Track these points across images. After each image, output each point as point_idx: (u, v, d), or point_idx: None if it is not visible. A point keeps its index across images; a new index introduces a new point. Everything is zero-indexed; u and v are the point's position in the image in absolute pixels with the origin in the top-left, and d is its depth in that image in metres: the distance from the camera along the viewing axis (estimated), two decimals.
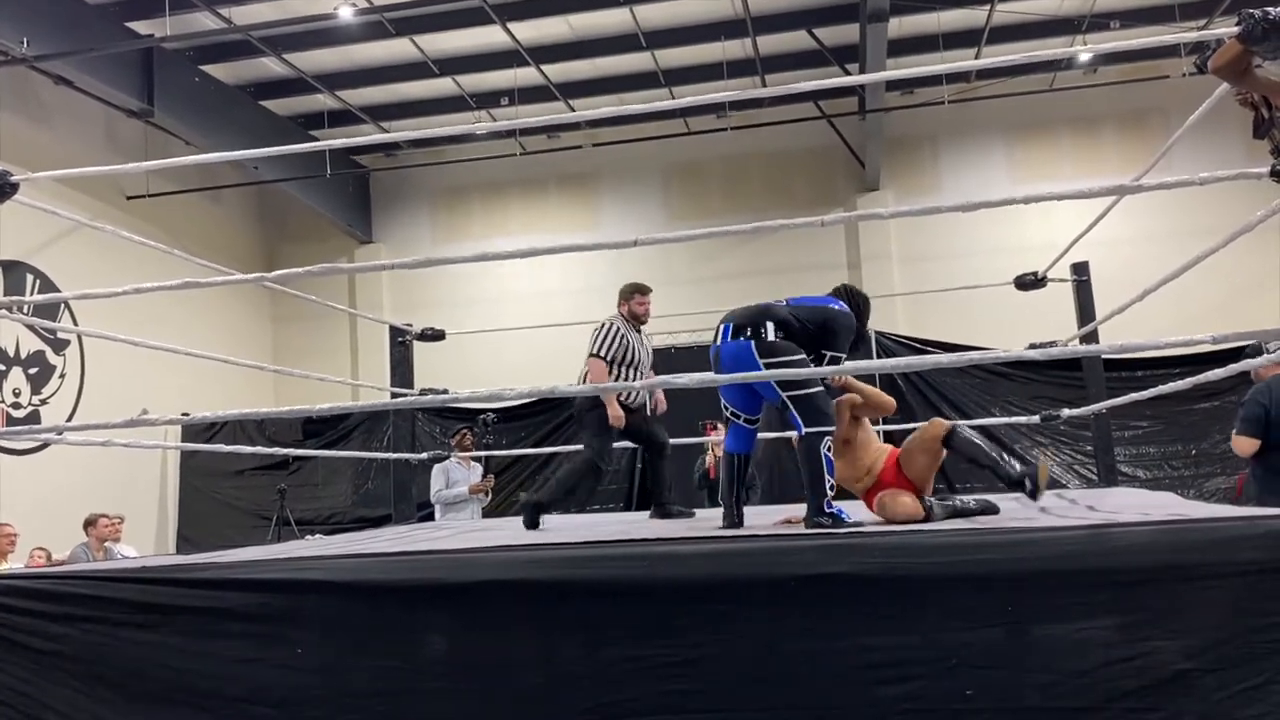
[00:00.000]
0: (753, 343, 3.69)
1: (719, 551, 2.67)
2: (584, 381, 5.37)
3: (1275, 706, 2.22)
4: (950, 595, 2.39)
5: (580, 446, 5.68)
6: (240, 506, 12.37)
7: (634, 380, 5.26)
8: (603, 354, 5.24)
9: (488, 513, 8.40)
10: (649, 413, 5.49)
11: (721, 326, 3.84)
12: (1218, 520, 2.65)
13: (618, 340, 5.28)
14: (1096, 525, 2.71)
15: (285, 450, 8.89)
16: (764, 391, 3.79)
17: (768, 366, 3.64)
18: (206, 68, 11.80)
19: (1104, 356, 7.11)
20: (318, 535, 8.67)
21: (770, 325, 3.71)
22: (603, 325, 5.38)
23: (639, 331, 5.46)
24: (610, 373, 5.23)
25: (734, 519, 3.90)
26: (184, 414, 3.98)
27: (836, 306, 3.91)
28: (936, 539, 2.63)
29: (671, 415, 5.95)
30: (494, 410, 9.61)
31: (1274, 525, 2.42)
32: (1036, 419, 7.39)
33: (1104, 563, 2.35)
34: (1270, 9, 2.73)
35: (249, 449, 7.81)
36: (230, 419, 7.68)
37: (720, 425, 9.46)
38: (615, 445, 5.60)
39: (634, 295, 5.52)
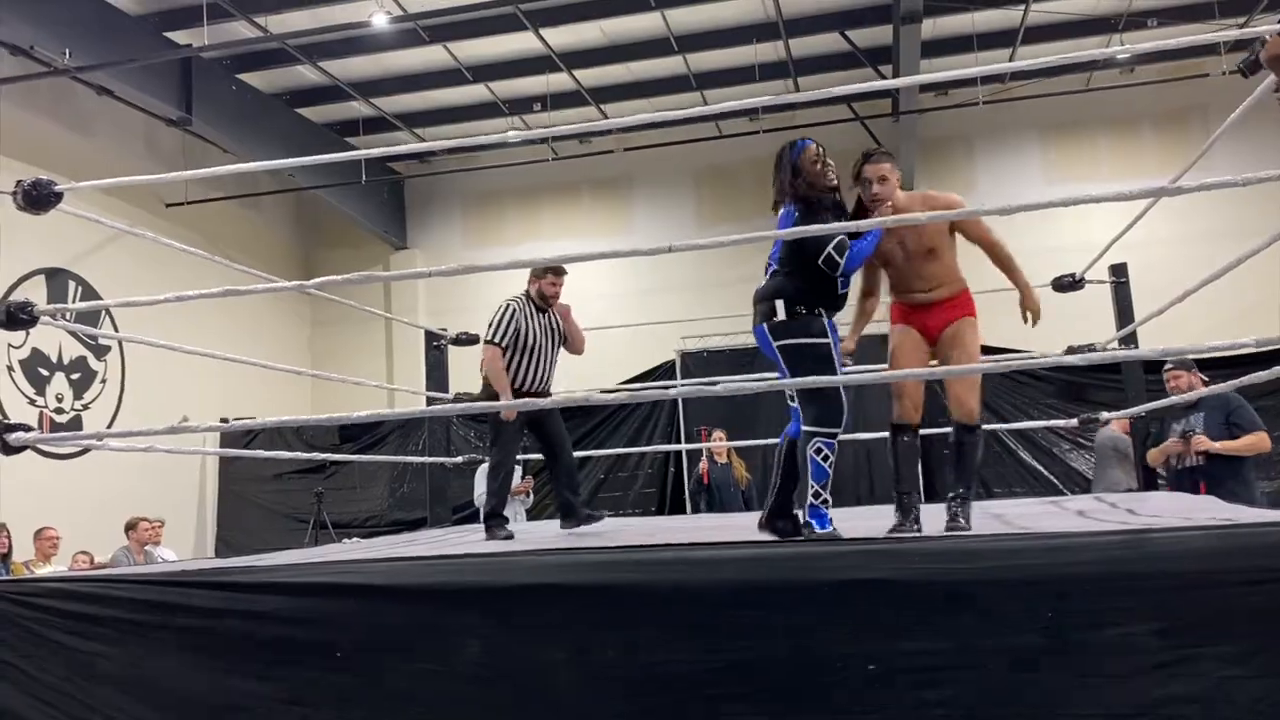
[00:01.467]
0: (764, 325, 3.59)
1: (756, 557, 2.67)
2: (481, 370, 5.08)
3: None
4: (989, 600, 2.37)
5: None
6: (278, 510, 12.49)
7: (532, 367, 5.01)
8: (496, 339, 4.94)
9: (531, 514, 8.47)
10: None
11: None
12: (1261, 525, 2.62)
13: (510, 323, 4.96)
14: (1136, 530, 2.68)
15: (322, 455, 8.97)
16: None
17: (779, 349, 3.54)
18: (243, 76, 11.95)
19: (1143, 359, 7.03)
20: (355, 538, 8.75)
21: (780, 303, 3.57)
22: (499, 308, 5.06)
23: (545, 312, 5.16)
24: (507, 360, 4.94)
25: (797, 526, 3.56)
26: (223, 419, 4.03)
27: (784, 213, 3.79)
28: (975, 544, 2.62)
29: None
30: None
31: None
32: (1075, 422, 7.30)
33: (1145, 568, 2.33)
34: None
35: (287, 454, 7.90)
36: (268, 426, 7.76)
37: (721, 432, 9.46)
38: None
39: (546, 274, 5.18)
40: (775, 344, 3.56)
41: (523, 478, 8.23)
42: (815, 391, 3.42)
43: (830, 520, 3.36)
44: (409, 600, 2.69)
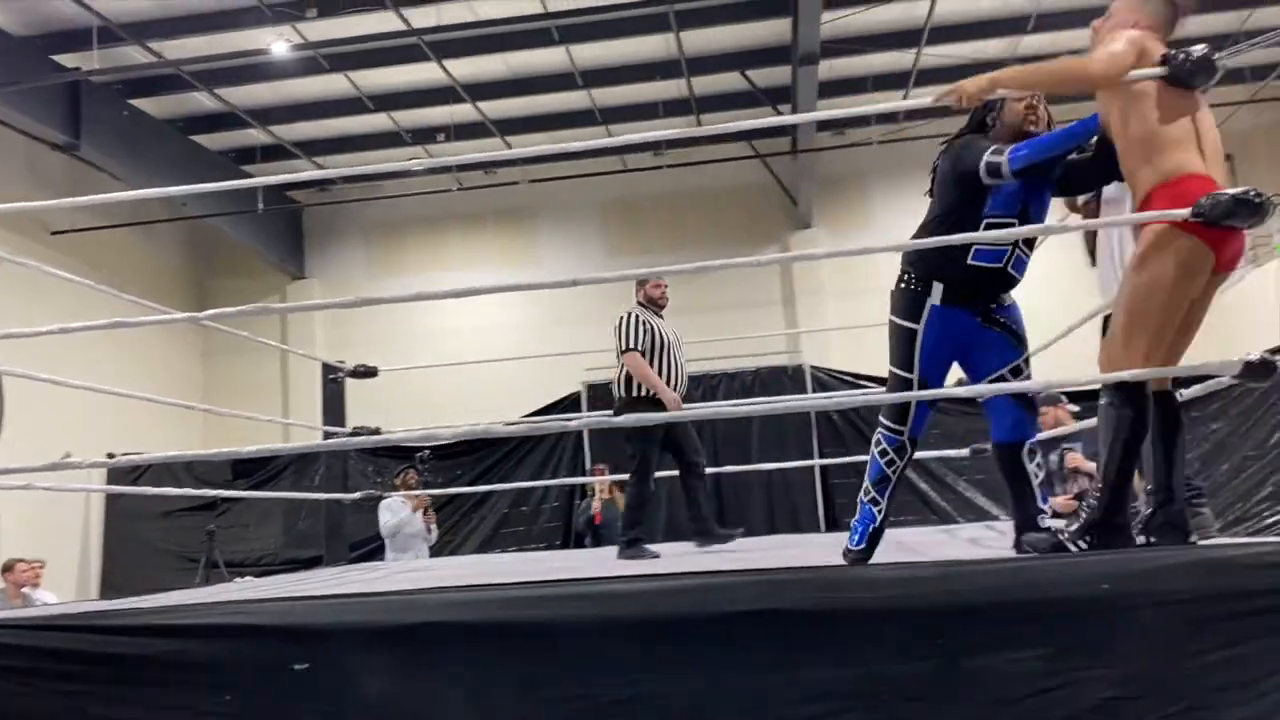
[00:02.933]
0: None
1: (656, 590, 2.67)
2: (621, 380, 5.15)
3: None
4: (884, 629, 2.42)
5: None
6: (167, 549, 12.03)
7: (671, 365, 5.07)
8: (635, 346, 5.02)
9: (434, 552, 8.34)
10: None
11: None
12: (1137, 552, 2.73)
13: (641, 328, 5.06)
14: (1021, 558, 2.77)
15: (214, 492, 8.70)
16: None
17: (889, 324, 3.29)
18: (136, 102, 11.63)
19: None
20: (248, 577, 8.48)
21: (905, 273, 3.28)
22: (622, 319, 5.15)
23: (661, 316, 5.29)
24: (649, 363, 5.00)
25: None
26: (110, 455, 3.88)
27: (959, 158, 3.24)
28: (869, 573, 2.67)
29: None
30: (428, 448, 9.54)
31: (1194, 556, 2.49)
32: (966, 452, 7.50)
33: (1030, 594, 2.40)
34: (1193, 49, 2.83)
35: (176, 491, 7.64)
36: (157, 461, 7.49)
37: (602, 466, 9.53)
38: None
39: (649, 279, 5.28)
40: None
41: (425, 512, 8.10)
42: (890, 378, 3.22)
43: (869, 530, 3.23)
44: (303, 641, 2.62)
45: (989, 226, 3.13)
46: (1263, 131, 12.56)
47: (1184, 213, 2.68)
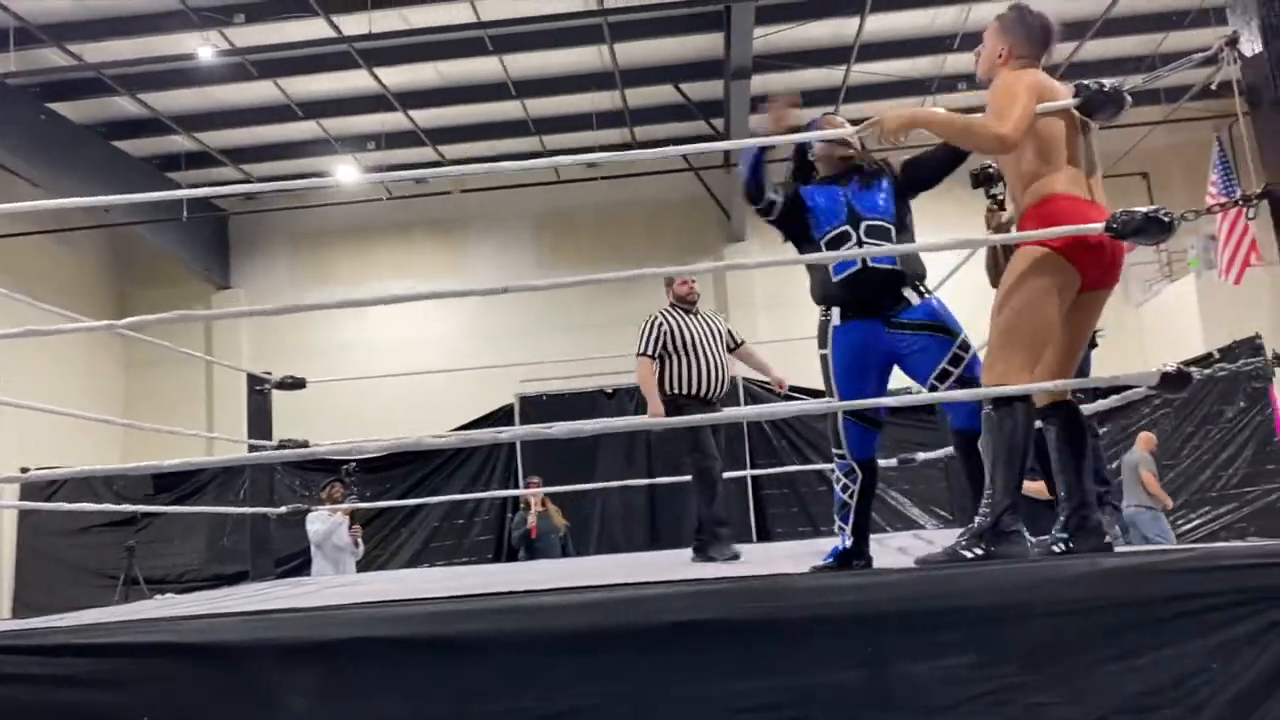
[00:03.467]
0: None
1: (592, 602, 2.66)
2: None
3: None
4: (813, 638, 2.43)
5: None
6: (85, 566, 11.66)
7: (696, 364, 5.04)
8: (647, 351, 5.05)
9: (363, 566, 8.21)
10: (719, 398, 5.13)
11: None
12: (1056, 560, 2.80)
13: (657, 331, 5.07)
14: (946, 566, 2.82)
15: (134, 507, 8.46)
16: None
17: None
18: (54, 105, 11.31)
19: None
20: (169, 594, 8.25)
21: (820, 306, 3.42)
22: (644, 322, 5.16)
23: (691, 313, 5.21)
24: (670, 363, 5.02)
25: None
26: (24, 469, 3.74)
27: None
28: (799, 582, 2.69)
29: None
30: (355, 461, 9.40)
31: (1111, 564, 2.56)
32: (894, 462, 7.61)
33: (954, 603, 2.44)
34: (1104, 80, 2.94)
35: (94, 507, 7.41)
36: (74, 475, 7.27)
37: (535, 479, 9.51)
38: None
39: (675, 278, 5.26)
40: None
41: (350, 527, 7.97)
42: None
43: (839, 552, 3.31)
44: (225, 659, 2.55)
45: (829, 244, 3.30)
46: (1176, 151, 13.01)
47: (1097, 226, 2.77)
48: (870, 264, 3.21)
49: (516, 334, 13.14)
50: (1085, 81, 2.97)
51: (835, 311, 3.27)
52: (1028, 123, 2.82)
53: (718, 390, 5.12)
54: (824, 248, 3.28)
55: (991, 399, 2.85)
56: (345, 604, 2.89)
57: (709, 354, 5.10)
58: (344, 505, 7.97)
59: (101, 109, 11.88)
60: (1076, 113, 2.91)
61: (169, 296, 13.78)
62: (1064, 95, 2.94)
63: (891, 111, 3.03)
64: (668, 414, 4.91)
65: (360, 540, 8.14)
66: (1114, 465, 8.71)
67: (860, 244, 3.25)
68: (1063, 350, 2.98)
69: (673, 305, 5.24)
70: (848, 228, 3.29)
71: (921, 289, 3.33)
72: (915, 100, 12.49)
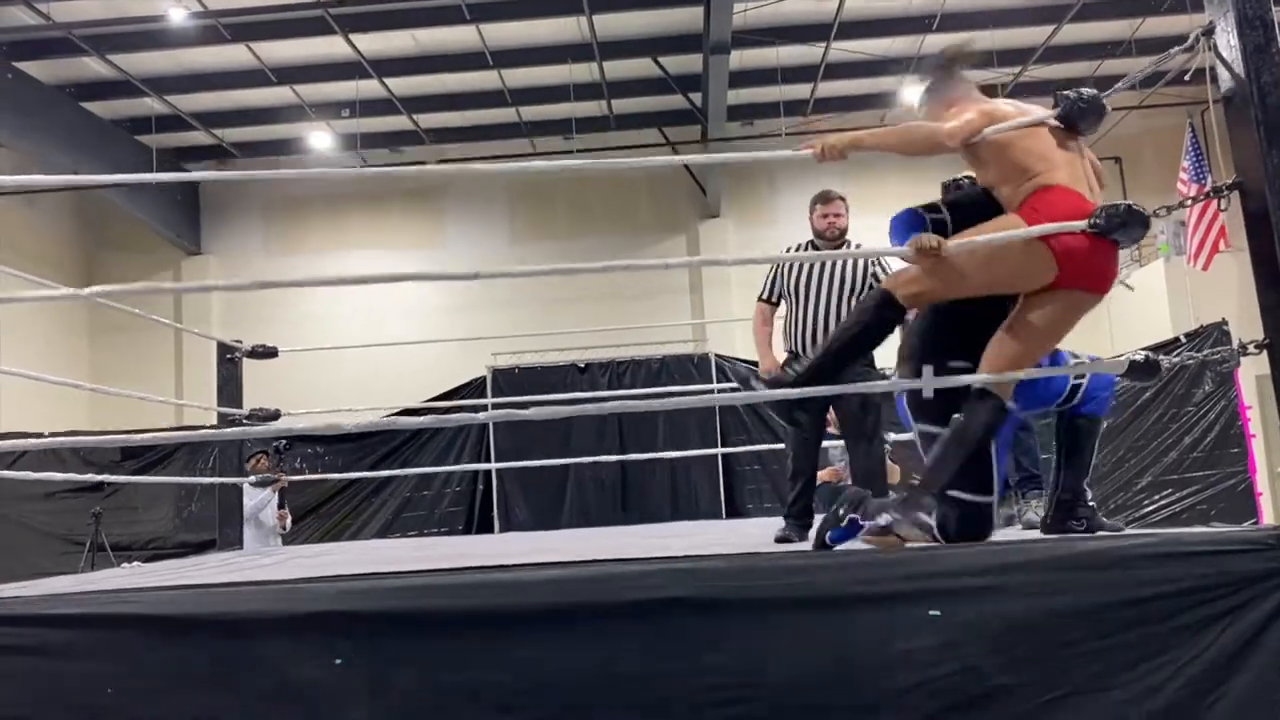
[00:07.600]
0: None
1: (558, 578, 2.67)
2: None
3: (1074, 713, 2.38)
4: (777, 618, 2.45)
5: None
6: (51, 532, 11.52)
7: (815, 312, 4.33)
8: (763, 295, 4.53)
9: (335, 536, 8.18)
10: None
11: None
12: (1023, 543, 2.83)
13: (778, 273, 4.47)
14: (923, 547, 2.85)
15: (100, 476, 8.38)
16: None
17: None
18: (22, 65, 11.08)
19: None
20: (136, 562, 8.19)
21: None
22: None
23: (837, 247, 4.48)
24: (789, 310, 4.42)
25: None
26: None
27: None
28: (768, 562, 2.71)
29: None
30: (287, 439, 9.15)
31: (1077, 548, 2.59)
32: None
33: (915, 585, 2.47)
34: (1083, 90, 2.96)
35: (60, 475, 7.33)
36: (39, 447, 7.19)
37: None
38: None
39: (815, 207, 4.53)
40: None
41: (280, 508, 7.89)
42: None
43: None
44: (190, 631, 2.54)
45: None
46: (1150, 136, 13.09)
47: (1080, 225, 2.79)
48: None
49: (489, 305, 13.07)
50: (1066, 92, 2.99)
51: None
52: (971, 130, 2.87)
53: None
54: None
55: (975, 388, 2.88)
56: (314, 577, 2.88)
57: (835, 300, 4.44)
58: (273, 476, 7.61)
59: (70, 69, 11.66)
60: (1061, 128, 2.95)
61: (138, 262, 13.61)
62: (1036, 114, 2.99)
63: (833, 136, 3.04)
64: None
65: (287, 524, 8.02)
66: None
67: None
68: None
69: (813, 237, 4.62)
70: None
71: None
72: (893, 80, 12.50)
